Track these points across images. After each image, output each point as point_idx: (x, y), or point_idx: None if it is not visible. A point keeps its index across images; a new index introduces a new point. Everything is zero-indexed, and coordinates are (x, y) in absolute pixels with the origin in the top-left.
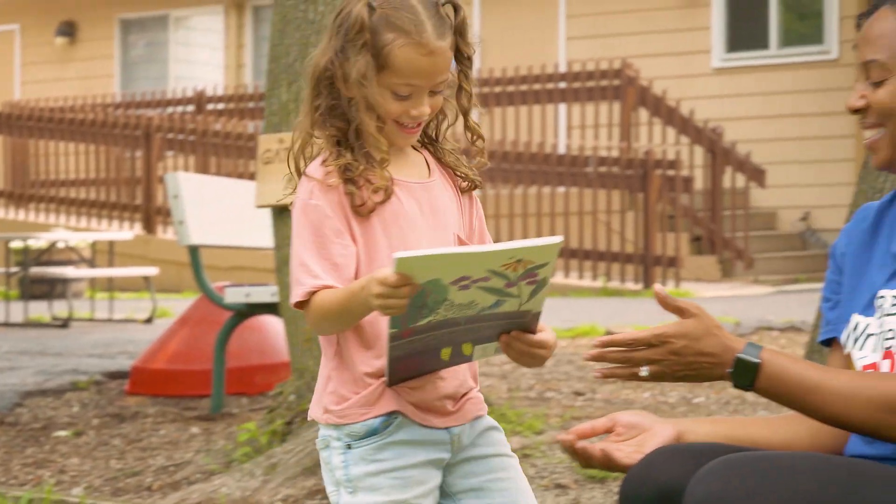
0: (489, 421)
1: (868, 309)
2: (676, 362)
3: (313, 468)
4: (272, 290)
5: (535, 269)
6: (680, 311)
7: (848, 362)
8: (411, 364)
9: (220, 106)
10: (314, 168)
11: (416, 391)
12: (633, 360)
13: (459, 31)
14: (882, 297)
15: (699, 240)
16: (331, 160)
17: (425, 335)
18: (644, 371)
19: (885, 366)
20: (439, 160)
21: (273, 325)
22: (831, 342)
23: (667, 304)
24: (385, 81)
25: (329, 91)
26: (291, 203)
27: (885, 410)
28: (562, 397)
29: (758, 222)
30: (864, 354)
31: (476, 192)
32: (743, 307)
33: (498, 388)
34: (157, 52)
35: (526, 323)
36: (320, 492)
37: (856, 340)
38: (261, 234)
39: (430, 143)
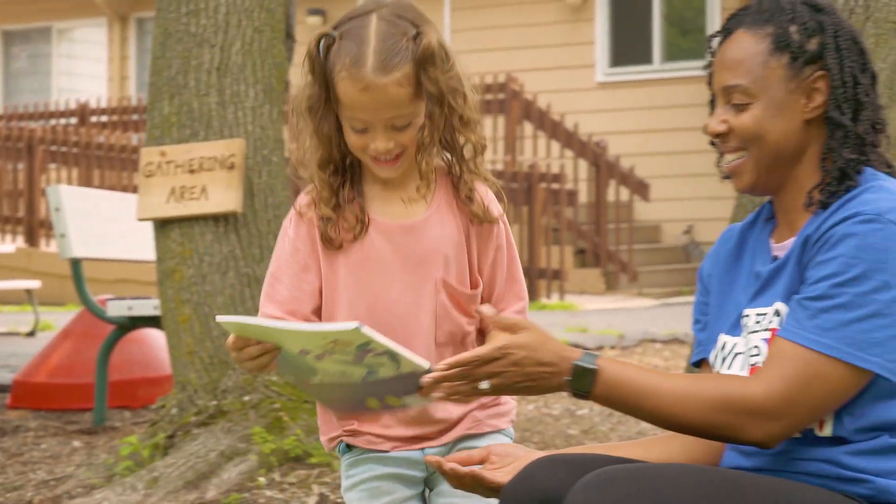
0: (490, 439)
1: (735, 329)
2: (517, 373)
3: (196, 481)
4: (154, 303)
5: (362, 346)
6: (512, 327)
7: None
8: (346, 407)
9: (104, 118)
10: (301, 195)
11: (369, 423)
12: (474, 376)
13: (422, 65)
14: (747, 315)
15: (584, 253)
16: (313, 190)
17: (330, 392)
18: (485, 384)
19: None
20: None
21: (156, 339)
22: (701, 363)
23: (495, 323)
24: (342, 113)
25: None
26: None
27: (720, 410)
28: None
29: (642, 235)
30: (732, 372)
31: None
32: (627, 320)
33: None
34: (40, 63)
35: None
36: None
37: (724, 360)
38: (144, 247)
39: (450, 172)
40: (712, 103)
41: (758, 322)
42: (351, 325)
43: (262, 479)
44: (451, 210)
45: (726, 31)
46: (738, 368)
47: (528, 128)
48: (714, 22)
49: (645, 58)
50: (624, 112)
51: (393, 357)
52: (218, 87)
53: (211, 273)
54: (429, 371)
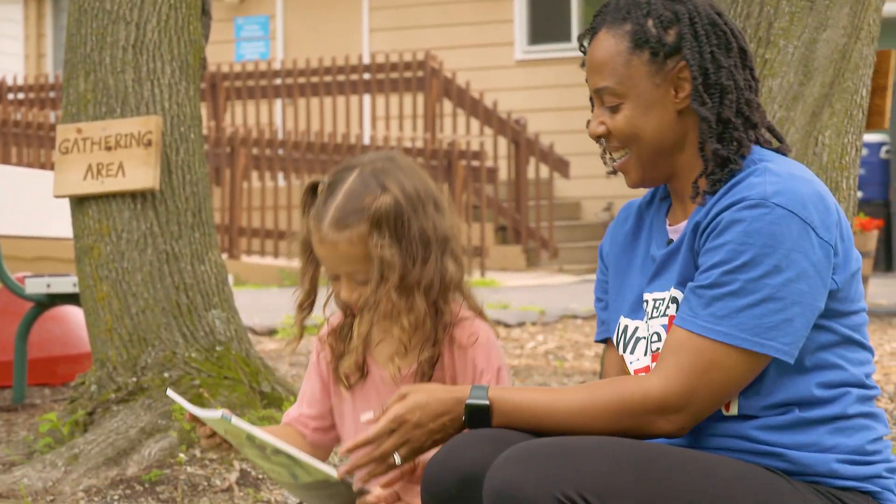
0: None
1: (636, 312)
2: (422, 433)
3: (116, 458)
4: (73, 280)
5: (251, 440)
6: (398, 397)
7: (622, 362)
8: None
9: (21, 96)
10: (326, 324)
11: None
12: (383, 453)
13: (374, 226)
14: (647, 300)
15: (504, 230)
16: (331, 323)
17: (304, 494)
18: (396, 458)
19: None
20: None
21: (75, 316)
22: (606, 341)
23: (388, 403)
24: None
25: None
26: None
27: (623, 415)
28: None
29: (562, 212)
30: (635, 358)
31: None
32: (548, 296)
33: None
34: None
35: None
36: (123, 482)
37: (626, 344)
38: (63, 224)
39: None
40: (592, 102)
41: (656, 308)
42: (216, 413)
43: (182, 456)
44: (446, 349)
45: (592, 31)
46: (642, 353)
47: (447, 105)
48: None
49: (563, 35)
50: (543, 90)
51: (294, 461)
52: (134, 64)
53: (129, 250)
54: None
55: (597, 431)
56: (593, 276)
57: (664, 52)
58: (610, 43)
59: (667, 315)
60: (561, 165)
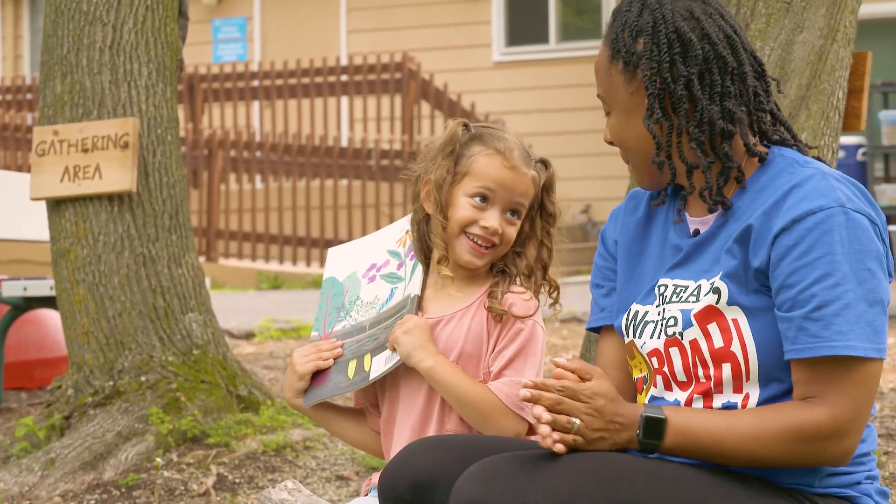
0: None
1: (647, 297)
2: (597, 420)
3: (92, 462)
4: (50, 283)
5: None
6: (585, 373)
7: (619, 350)
8: (321, 376)
9: None
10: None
11: None
12: (565, 408)
13: (545, 189)
14: (664, 285)
15: None
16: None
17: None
18: (576, 422)
19: (674, 353)
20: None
21: (52, 319)
22: (599, 329)
23: (567, 368)
24: (464, 189)
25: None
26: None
27: (797, 441)
28: None
29: None
30: (643, 341)
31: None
32: None
33: (281, 381)
34: None
35: (408, 311)
36: (100, 486)
37: (635, 329)
38: (40, 227)
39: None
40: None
41: (676, 294)
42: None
43: (159, 460)
44: (481, 308)
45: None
46: (649, 336)
47: (425, 107)
48: (609, 1)
49: (541, 37)
50: (521, 91)
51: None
52: (111, 66)
53: (106, 253)
54: (412, 301)
55: (767, 457)
56: (571, 280)
57: (633, 62)
58: (601, 52)
59: (695, 303)
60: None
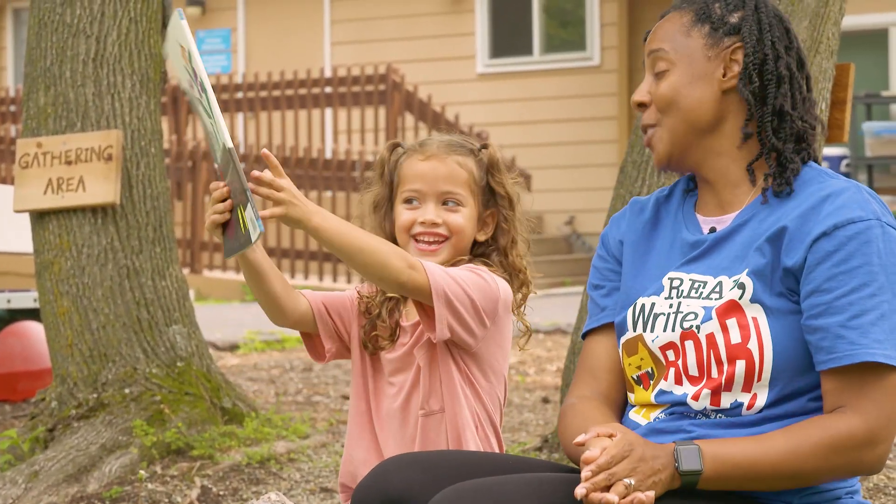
0: None
1: (655, 290)
2: (646, 468)
3: (76, 475)
4: (34, 295)
5: (190, 59)
6: (608, 432)
7: (613, 351)
8: (231, 225)
9: None
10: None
11: None
12: (616, 476)
13: (489, 170)
14: (679, 279)
15: None
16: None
17: (226, 169)
18: (630, 482)
19: (689, 346)
20: None
21: (36, 331)
22: (595, 330)
23: (600, 434)
24: (399, 196)
25: None
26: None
27: (832, 452)
28: (329, 401)
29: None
30: (655, 335)
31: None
32: None
33: (266, 393)
34: None
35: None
36: (84, 498)
37: (645, 322)
38: (23, 239)
39: None
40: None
41: (695, 289)
42: (174, 15)
43: (143, 473)
44: None
45: (666, 12)
46: (662, 329)
47: (409, 119)
48: (593, 14)
49: (525, 49)
50: (504, 103)
51: (207, 96)
52: (94, 78)
53: (90, 265)
54: (229, 151)
55: (807, 470)
56: (556, 291)
57: (724, 29)
58: (675, 16)
59: (717, 299)
60: (522, 179)
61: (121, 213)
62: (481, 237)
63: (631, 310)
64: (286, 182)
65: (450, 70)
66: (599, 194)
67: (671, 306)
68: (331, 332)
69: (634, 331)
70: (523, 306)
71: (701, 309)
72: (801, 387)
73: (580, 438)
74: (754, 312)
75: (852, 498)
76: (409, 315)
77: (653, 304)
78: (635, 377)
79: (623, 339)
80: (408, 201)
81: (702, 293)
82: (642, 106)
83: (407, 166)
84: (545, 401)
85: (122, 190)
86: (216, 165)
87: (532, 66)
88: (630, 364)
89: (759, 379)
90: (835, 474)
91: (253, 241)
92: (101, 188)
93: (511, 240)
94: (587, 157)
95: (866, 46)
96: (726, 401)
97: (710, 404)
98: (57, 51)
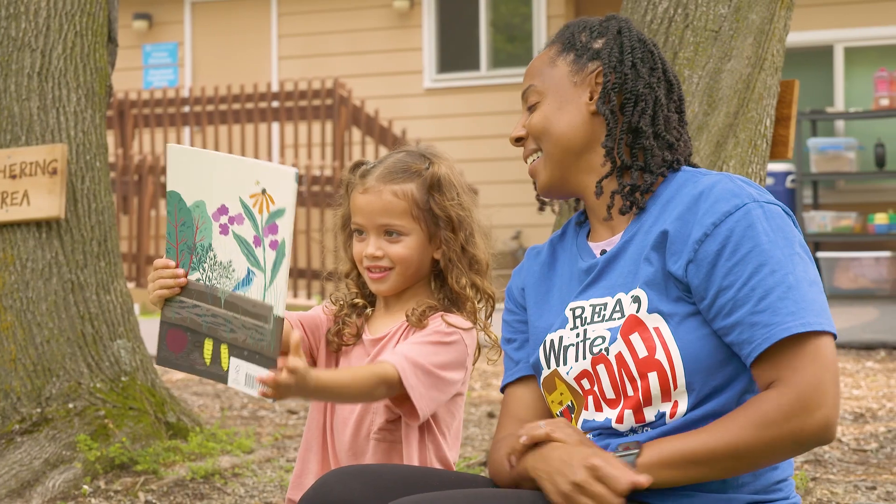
0: None
1: (560, 323)
2: (586, 443)
3: (19, 490)
4: None
5: (276, 215)
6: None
7: (536, 394)
8: (179, 340)
9: None
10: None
11: None
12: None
13: (429, 190)
14: (580, 307)
15: None
16: (338, 293)
17: (193, 303)
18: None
19: (601, 371)
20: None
21: None
22: (512, 384)
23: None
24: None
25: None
26: None
27: (766, 426)
28: (275, 416)
29: None
30: (569, 367)
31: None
32: None
33: (211, 407)
34: None
35: (269, 344)
36: None
37: (557, 357)
38: None
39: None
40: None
41: (597, 313)
42: (289, 169)
43: (87, 487)
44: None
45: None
46: (574, 360)
47: (356, 134)
48: (540, 28)
49: (472, 64)
50: (452, 118)
51: (280, 256)
52: (39, 92)
53: (34, 279)
54: (276, 320)
55: (746, 448)
56: (502, 305)
57: (587, 55)
58: (543, 53)
59: (620, 318)
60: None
61: (65, 228)
62: (438, 255)
63: (542, 348)
64: (301, 364)
65: (397, 85)
66: (546, 209)
67: (578, 335)
68: (307, 351)
69: (549, 367)
70: (490, 319)
71: (607, 331)
72: (719, 384)
73: (523, 435)
74: (655, 322)
75: None
76: (373, 329)
77: (560, 338)
78: (559, 413)
79: (541, 379)
80: (357, 232)
81: (604, 315)
82: (520, 140)
83: (353, 198)
84: (490, 415)
85: (66, 204)
86: (187, 275)
87: (479, 80)
88: (553, 401)
89: (676, 386)
90: (778, 448)
91: (247, 392)
92: (45, 202)
93: (450, 263)
94: None
95: (811, 63)
96: (649, 414)
97: (636, 422)
98: (1, 64)
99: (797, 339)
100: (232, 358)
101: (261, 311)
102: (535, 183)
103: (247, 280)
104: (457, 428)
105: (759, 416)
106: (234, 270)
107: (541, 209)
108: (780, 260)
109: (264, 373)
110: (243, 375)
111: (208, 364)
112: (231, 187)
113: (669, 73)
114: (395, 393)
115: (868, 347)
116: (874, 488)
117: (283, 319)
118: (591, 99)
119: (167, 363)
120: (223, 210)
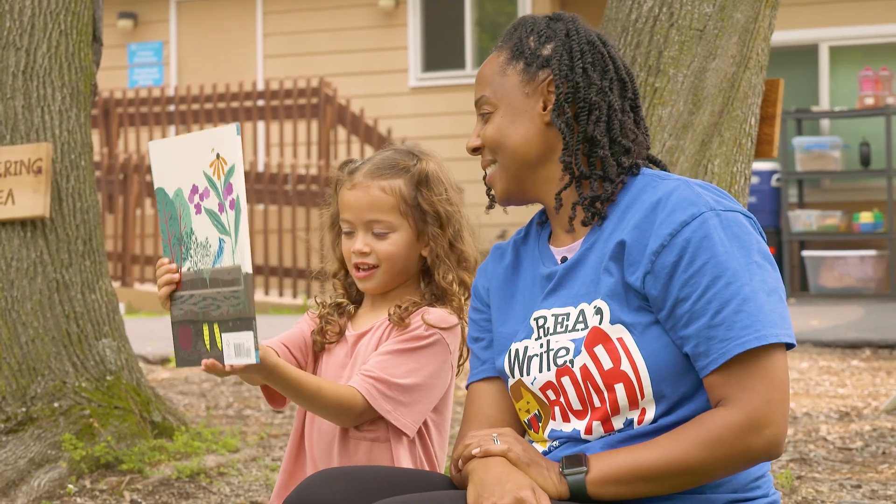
0: None
1: (524, 333)
2: (536, 457)
3: (5, 489)
4: None
5: (229, 174)
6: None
7: (503, 394)
8: (186, 336)
9: None
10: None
11: None
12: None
13: (417, 186)
14: (543, 317)
15: None
16: (323, 295)
17: (189, 294)
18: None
19: (566, 382)
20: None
21: None
22: (478, 383)
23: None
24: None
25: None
26: None
27: (716, 445)
28: (260, 415)
29: None
30: (533, 377)
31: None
32: None
33: (196, 406)
34: None
35: (244, 304)
36: None
37: (521, 367)
38: None
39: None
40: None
41: (560, 323)
42: (231, 125)
43: (72, 487)
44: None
45: (489, 54)
46: (538, 371)
47: (341, 132)
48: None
49: (457, 63)
50: (437, 117)
51: (238, 213)
52: (24, 91)
53: (19, 278)
54: (245, 277)
55: (694, 466)
56: None
57: (537, 63)
58: (493, 57)
59: (583, 329)
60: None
61: (50, 227)
62: (426, 253)
63: (506, 357)
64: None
65: (382, 84)
66: (531, 207)
67: (542, 346)
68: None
69: (514, 377)
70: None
71: (570, 343)
72: (687, 390)
73: (477, 447)
74: (618, 333)
75: None
76: (356, 326)
77: (525, 348)
78: (526, 421)
79: (508, 386)
80: (346, 232)
81: (567, 326)
82: (477, 150)
83: (341, 195)
84: None
85: (51, 203)
86: (181, 269)
87: (465, 79)
88: (520, 409)
89: (643, 396)
90: (726, 465)
91: (241, 363)
92: (30, 201)
93: (437, 259)
94: None
95: (796, 62)
96: (618, 423)
97: (605, 431)
98: None
99: (750, 355)
100: (223, 335)
101: (234, 275)
102: (488, 192)
103: (220, 251)
104: (445, 426)
105: (709, 435)
106: (210, 246)
107: (490, 207)
108: (735, 271)
109: (247, 336)
110: (233, 348)
111: (209, 350)
112: (196, 164)
113: (622, 71)
114: (369, 417)
115: (853, 346)
116: (859, 487)
117: (251, 275)
118: (544, 109)
119: (185, 362)
120: (195, 190)
